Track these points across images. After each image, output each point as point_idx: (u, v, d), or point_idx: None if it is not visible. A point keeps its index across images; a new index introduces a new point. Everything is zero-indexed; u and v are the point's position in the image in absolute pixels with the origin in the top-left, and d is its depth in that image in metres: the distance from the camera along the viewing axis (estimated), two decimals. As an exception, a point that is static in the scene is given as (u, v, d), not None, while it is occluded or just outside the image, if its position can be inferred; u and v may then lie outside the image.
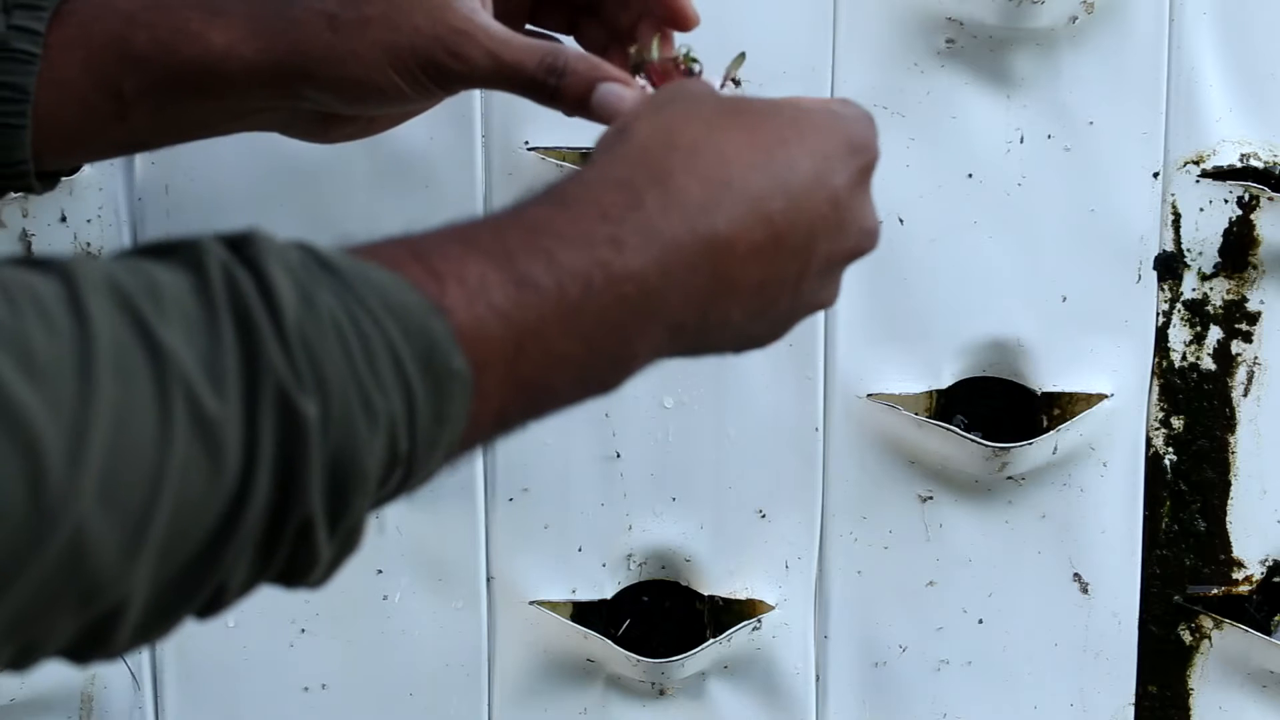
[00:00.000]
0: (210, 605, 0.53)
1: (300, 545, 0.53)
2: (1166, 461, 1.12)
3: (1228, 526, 1.13)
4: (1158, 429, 1.12)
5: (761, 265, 0.65)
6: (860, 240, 0.70)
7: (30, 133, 0.77)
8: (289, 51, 0.76)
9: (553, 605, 1.05)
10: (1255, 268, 1.10)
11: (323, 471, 0.52)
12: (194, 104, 0.78)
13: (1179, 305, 1.10)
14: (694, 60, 0.79)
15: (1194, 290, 1.10)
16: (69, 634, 0.49)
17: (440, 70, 0.77)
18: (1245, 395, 1.12)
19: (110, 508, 0.47)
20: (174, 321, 0.50)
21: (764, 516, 1.07)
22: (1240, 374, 1.12)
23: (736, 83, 0.80)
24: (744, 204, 0.64)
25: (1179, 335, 1.11)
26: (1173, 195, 1.08)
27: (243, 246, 0.54)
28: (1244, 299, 1.11)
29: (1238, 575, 1.14)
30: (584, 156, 1.01)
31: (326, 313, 0.53)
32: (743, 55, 0.81)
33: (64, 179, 0.95)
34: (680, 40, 0.81)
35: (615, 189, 0.62)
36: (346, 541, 0.56)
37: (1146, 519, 1.12)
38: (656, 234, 0.61)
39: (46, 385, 0.46)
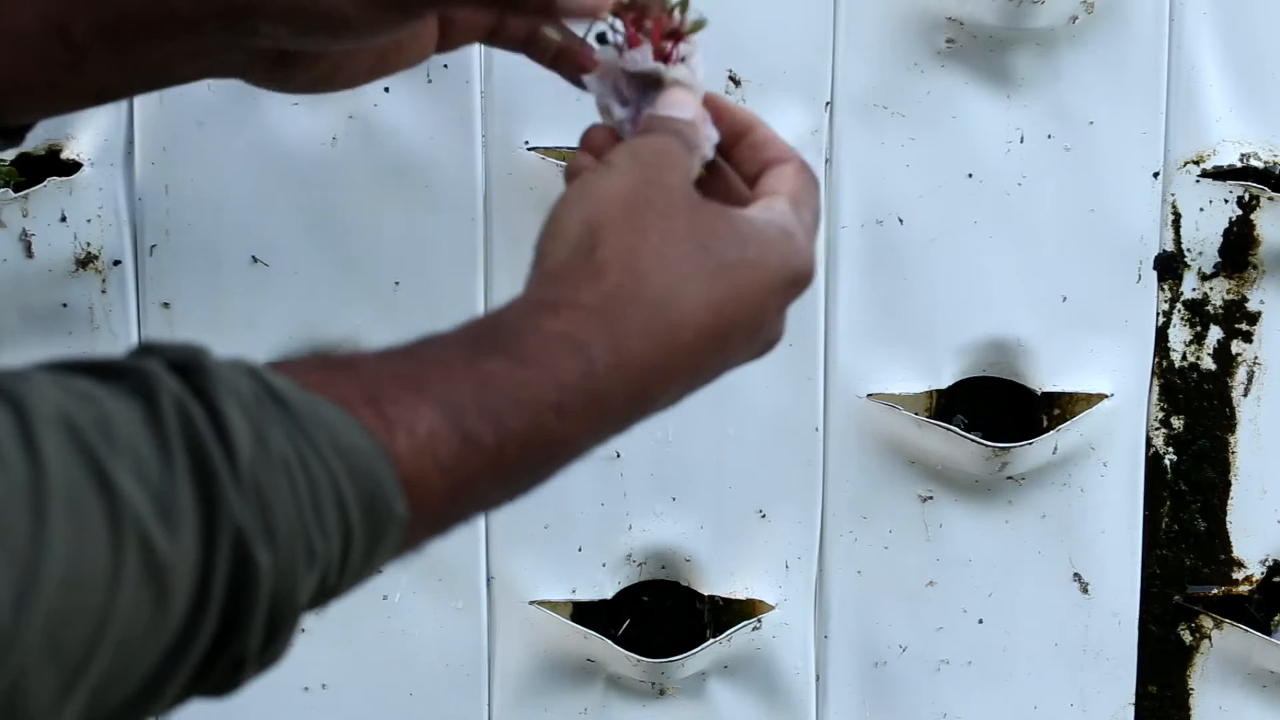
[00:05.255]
0: None
1: (229, 674, 0.54)
2: (1166, 461, 1.12)
3: (1228, 526, 1.13)
4: (1158, 429, 1.12)
5: (679, 394, 0.69)
6: (761, 350, 0.73)
7: None
8: None
9: (553, 605, 1.05)
10: (1255, 268, 1.10)
11: (264, 613, 0.53)
12: (148, 46, 0.75)
13: (1179, 305, 1.10)
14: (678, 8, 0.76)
15: (1194, 290, 1.10)
16: None
17: None
18: (1245, 395, 1.12)
19: (52, 655, 0.46)
20: (126, 458, 0.49)
21: (764, 516, 1.07)
22: (1240, 374, 1.12)
23: (685, 43, 0.75)
24: (686, 371, 0.67)
25: (1179, 335, 1.11)
26: (1173, 195, 1.08)
27: (193, 375, 0.53)
28: (1244, 299, 1.11)
29: (1238, 575, 1.14)
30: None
31: (278, 453, 0.53)
32: (702, 21, 0.77)
33: (64, 178, 0.95)
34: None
35: (572, 353, 0.63)
36: (268, 664, 0.56)
37: (1146, 519, 1.12)
38: (600, 403, 0.64)
39: None
